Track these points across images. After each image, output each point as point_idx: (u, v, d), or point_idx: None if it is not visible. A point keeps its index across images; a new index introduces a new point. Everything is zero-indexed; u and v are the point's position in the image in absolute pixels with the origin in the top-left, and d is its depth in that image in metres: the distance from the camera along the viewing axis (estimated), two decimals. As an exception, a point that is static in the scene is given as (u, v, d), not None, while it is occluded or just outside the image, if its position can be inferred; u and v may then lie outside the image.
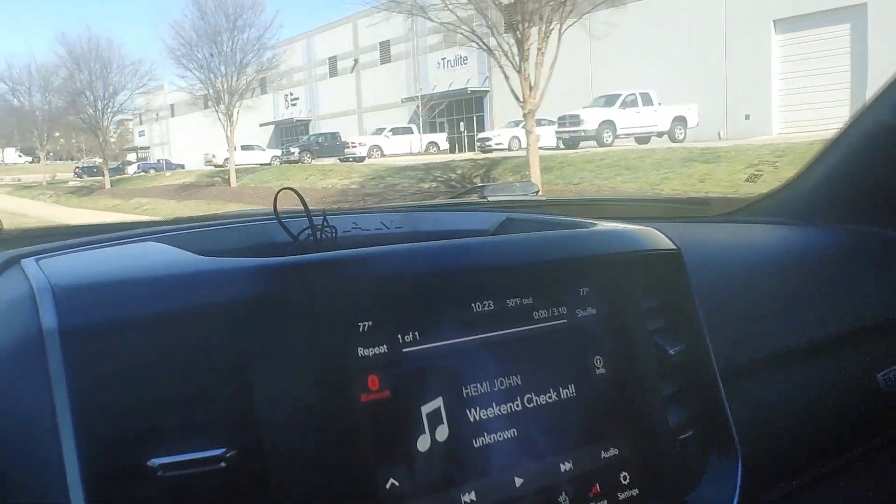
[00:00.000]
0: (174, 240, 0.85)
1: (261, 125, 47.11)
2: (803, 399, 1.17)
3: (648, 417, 0.86)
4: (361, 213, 1.08)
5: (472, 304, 0.79)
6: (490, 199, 1.66)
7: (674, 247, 0.96)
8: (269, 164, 37.10)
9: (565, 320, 0.84)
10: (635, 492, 0.83)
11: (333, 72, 46.44)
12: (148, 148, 63.01)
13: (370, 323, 0.72)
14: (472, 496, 0.74)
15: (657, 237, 0.96)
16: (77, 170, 51.45)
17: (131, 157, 62.61)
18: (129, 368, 0.64)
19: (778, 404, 1.13)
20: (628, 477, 0.83)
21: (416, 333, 0.74)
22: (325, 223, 0.91)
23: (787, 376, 1.16)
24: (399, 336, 0.74)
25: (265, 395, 0.67)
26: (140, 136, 65.40)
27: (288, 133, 49.58)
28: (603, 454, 0.83)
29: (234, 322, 0.67)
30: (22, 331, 0.64)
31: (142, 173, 47.22)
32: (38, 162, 58.33)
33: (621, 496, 0.83)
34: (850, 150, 1.39)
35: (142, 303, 0.65)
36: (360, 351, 0.71)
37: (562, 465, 0.80)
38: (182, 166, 46.68)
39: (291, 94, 49.11)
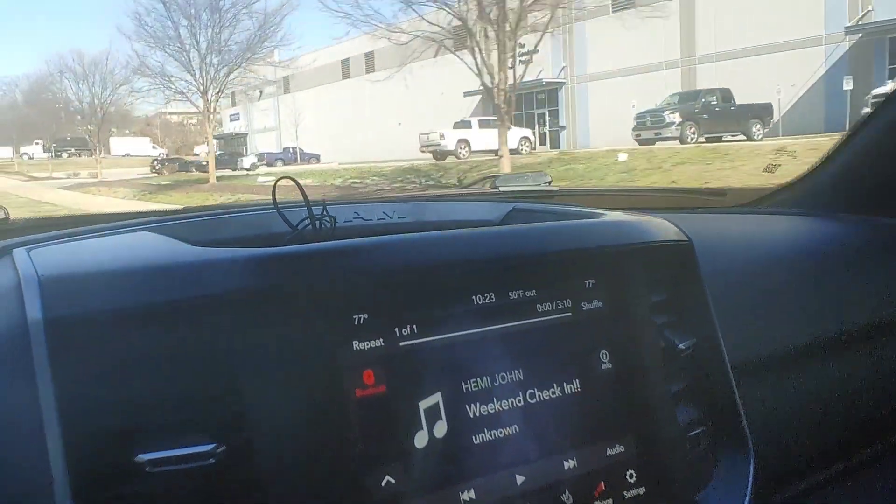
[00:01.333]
0: (169, 230, 0.84)
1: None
2: (818, 396, 1.14)
3: (656, 414, 0.84)
4: (364, 202, 1.06)
5: (473, 297, 0.77)
6: (501, 189, 1.64)
7: (685, 238, 0.93)
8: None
9: (570, 314, 0.82)
10: (642, 490, 0.81)
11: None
12: (245, 135, 49.94)
13: (366, 316, 0.70)
14: (472, 494, 0.72)
15: (668, 228, 0.93)
16: (156, 163, 40.37)
17: (200, 148, 51.08)
18: (116, 361, 0.62)
19: (792, 401, 1.10)
20: (634, 475, 0.81)
21: (414, 326, 0.72)
22: (325, 213, 0.89)
23: (802, 373, 1.13)
24: (396, 329, 0.71)
25: (257, 390, 0.65)
26: (233, 119, 50.33)
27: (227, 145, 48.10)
28: (608, 451, 0.80)
29: (226, 314, 0.65)
30: (7, 322, 0.63)
31: (263, 167, 34.82)
32: (69, 156, 54.43)
33: (627, 495, 0.80)
34: (869, 141, 1.36)
35: (131, 294, 0.63)
36: (356, 344, 0.69)
37: (565, 463, 0.77)
38: (317, 157, 38.94)
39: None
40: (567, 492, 0.76)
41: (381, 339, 0.70)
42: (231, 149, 47.55)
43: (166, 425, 0.63)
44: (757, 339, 1.07)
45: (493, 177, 1.83)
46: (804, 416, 1.11)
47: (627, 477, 0.81)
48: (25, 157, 53.82)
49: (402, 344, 0.71)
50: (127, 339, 0.63)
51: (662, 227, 0.93)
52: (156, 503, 0.62)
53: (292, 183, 0.92)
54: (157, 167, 39.78)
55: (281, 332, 0.66)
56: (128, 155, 56.59)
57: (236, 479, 0.64)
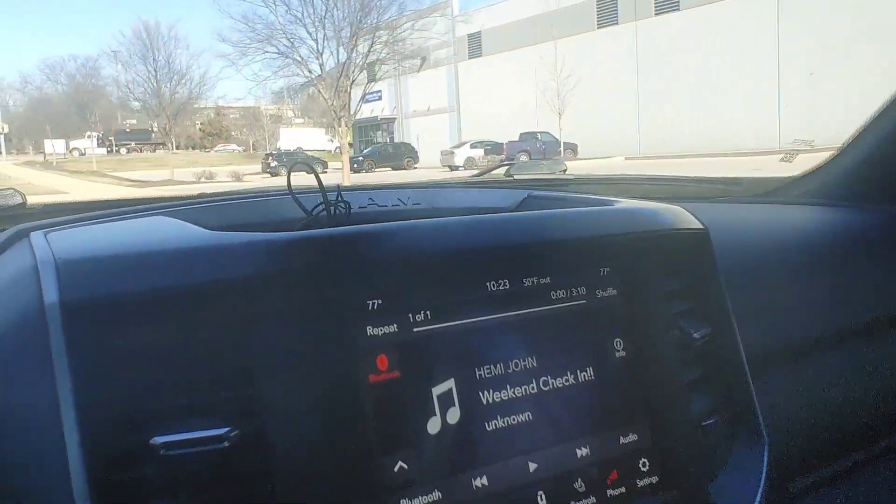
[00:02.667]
0: (184, 214, 0.84)
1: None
2: (833, 387, 1.13)
3: (670, 403, 0.83)
4: (378, 189, 1.05)
5: (487, 283, 0.76)
6: (516, 176, 1.63)
7: (701, 226, 0.92)
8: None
9: (584, 301, 0.81)
10: (655, 479, 0.81)
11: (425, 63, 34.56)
12: (391, 120, 39.48)
13: (380, 301, 0.70)
14: (484, 481, 0.72)
15: (683, 216, 0.92)
16: (270, 161, 30.90)
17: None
18: (132, 344, 0.63)
19: (807, 392, 1.09)
20: (647, 464, 0.81)
21: (428, 312, 0.72)
22: (340, 198, 0.89)
23: (817, 363, 1.12)
24: (410, 315, 0.71)
25: (271, 374, 0.65)
26: (370, 100, 33.51)
27: (364, 133, 43.50)
28: (621, 440, 0.80)
29: (241, 298, 0.65)
30: (24, 305, 0.63)
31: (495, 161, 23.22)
32: (129, 150, 49.09)
33: (640, 483, 0.80)
34: (886, 132, 1.34)
35: (147, 277, 0.64)
36: (369, 330, 0.69)
37: (578, 451, 0.77)
38: (572, 148, 27.81)
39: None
40: (580, 480, 0.76)
41: (395, 325, 0.70)
42: (369, 138, 42.37)
43: (181, 409, 0.63)
44: (772, 329, 1.07)
45: (509, 164, 1.83)
46: (819, 406, 1.10)
47: (640, 466, 0.80)
48: (76, 153, 47.27)
49: (415, 330, 0.71)
50: (143, 323, 0.63)
51: (678, 215, 0.92)
52: (170, 486, 0.62)
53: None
54: (272, 166, 30.09)
55: (295, 317, 0.66)
56: (299, 149, 42.33)
57: (250, 462, 0.64)
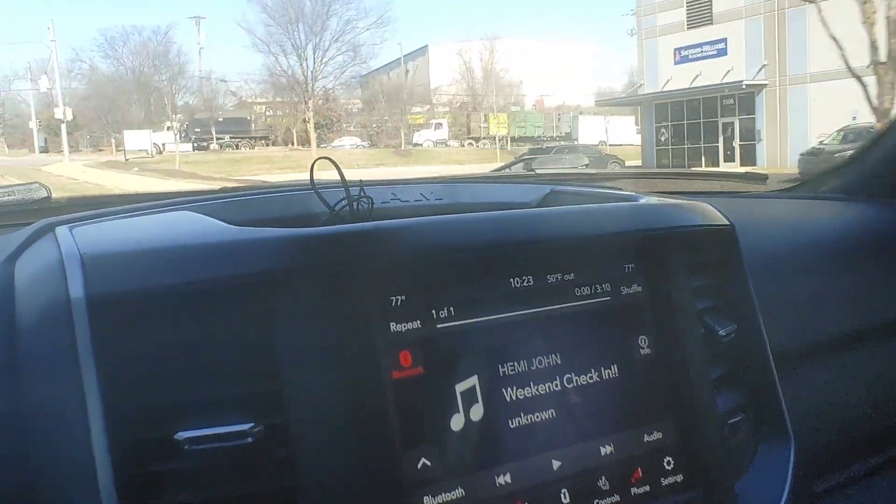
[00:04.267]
0: (208, 209, 0.84)
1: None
2: (861, 385, 1.11)
3: (695, 401, 0.82)
4: (401, 184, 1.05)
5: (511, 280, 0.76)
6: (538, 171, 1.62)
7: (727, 222, 0.91)
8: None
9: (609, 298, 0.80)
10: (679, 478, 0.80)
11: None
12: (760, 87, 23.05)
13: (403, 297, 0.70)
14: (507, 478, 0.71)
15: (709, 212, 0.91)
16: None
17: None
18: (157, 339, 0.63)
19: (834, 389, 1.08)
20: (672, 462, 0.80)
21: (452, 309, 0.72)
22: (363, 193, 0.88)
23: (844, 360, 1.11)
24: (433, 311, 0.71)
25: (294, 370, 0.65)
26: (707, 49, 24.57)
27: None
28: (646, 438, 0.79)
29: (264, 294, 0.65)
30: (50, 299, 0.63)
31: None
32: (227, 147, 38.63)
33: (665, 482, 0.79)
34: None
35: (171, 272, 0.64)
36: (393, 326, 0.69)
37: (602, 449, 0.76)
38: None
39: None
40: (603, 478, 0.76)
41: (419, 321, 0.70)
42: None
43: (205, 404, 0.63)
44: (799, 326, 1.05)
45: (531, 158, 1.82)
46: (846, 404, 1.09)
47: (665, 464, 0.80)
48: (153, 150, 36.23)
49: (439, 326, 0.71)
50: (167, 318, 0.63)
51: (704, 211, 0.91)
52: (194, 480, 0.62)
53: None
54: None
55: (318, 313, 0.66)
56: (426, 143, 39.54)
57: (273, 458, 0.64)
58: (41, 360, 0.63)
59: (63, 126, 31.83)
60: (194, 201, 0.90)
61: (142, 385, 0.62)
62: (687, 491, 0.80)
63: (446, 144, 41.99)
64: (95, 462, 0.59)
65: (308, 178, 0.89)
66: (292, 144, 41.44)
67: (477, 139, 42.58)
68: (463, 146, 41.62)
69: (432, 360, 0.70)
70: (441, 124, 43.51)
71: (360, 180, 0.92)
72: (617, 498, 0.76)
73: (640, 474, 0.78)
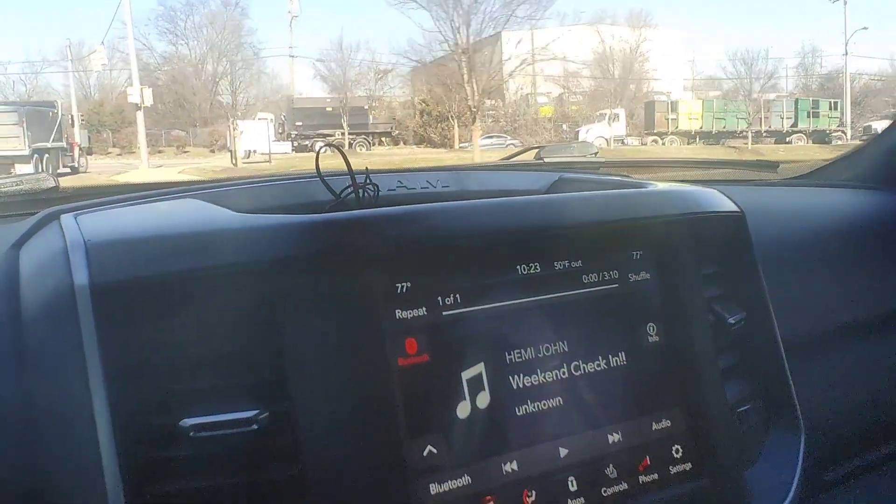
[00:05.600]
0: (213, 197, 0.84)
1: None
2: (871, 374, 1.10)
3: (704, 389, 0.82)
4: (407, 171, 1.05)
5: (518, 267, 0.75)
6: (546, 160, 1.61)
7: (737, 209, 0.90)
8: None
9: (617, 285, 0.80)
10: (688, 466, 0.79)
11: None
12: None
13: (409, 284, 0.69)
14: (514, 466, 0.71)
15: (719, 199, 0.90)
16: None
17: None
18: (161, 326, 0.63)
19: (844, 378, 1.07)
20: (681, 451, 0.79)
21: (458, 296, 0.71)
22: (368, 181, 0.88)
23: (855, 349, 1.10)
24: (439, 298, 0.70)
25: (299, 357, 0.65)
26: None
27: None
28: (654, 426, 0.78)
29: (269, 280, 0.65)
30: (54, 287, 0.63)
31: None
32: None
33: (673, 470, 0.78)
34: None
35: (176, 259, 0.63)
36: (398, 313, 0.68)
37: (610, 437, 0.76)
38: None
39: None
40: (611, 465, 0.75)
41: (424, 308, 0.69)
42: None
43: (210, 391, 0.63)
44: (810, 315, 1.04)
45: (539, 148, 1.81)
46: (856, 393, 1.08)
47: (674, 452, 0.79)
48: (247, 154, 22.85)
49: (445, 313, 0.70)
50: (172, 305, 0.63)
51: (713, 198, 0.90)
52: (199, 467, 0.62)
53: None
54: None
55: (323, 300, 0.66)
56: (597, 140, 25.71)
57: (278, 445, 0.64)
58: (46, 347, 0.62)
59: (140, 114, 21.89)
60: (199, 189, 0.90)
61: (147, 372, 0.62)
62: (696, 479, 0.79)
63: (623, 142, 30.79)
64: (101, 449, 0.58)
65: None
66: (427, 143, 30.88)
67: (662, 135, 31.54)
68: (645, 144, 30.98)
69: (438, 348, 0.69)
70: (618, 115, 31.10)
71: (367, 168, 0.91)
72: (625, 486, 0.75)
73: (649, 462, 0.77)
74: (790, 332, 0.92)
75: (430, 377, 0.69)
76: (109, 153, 30.12)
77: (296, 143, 29.14)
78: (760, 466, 0.86)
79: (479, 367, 0.71)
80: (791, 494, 0.84)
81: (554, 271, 0.77)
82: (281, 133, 29.79)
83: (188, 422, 0.61)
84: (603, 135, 29.44)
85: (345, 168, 0.89)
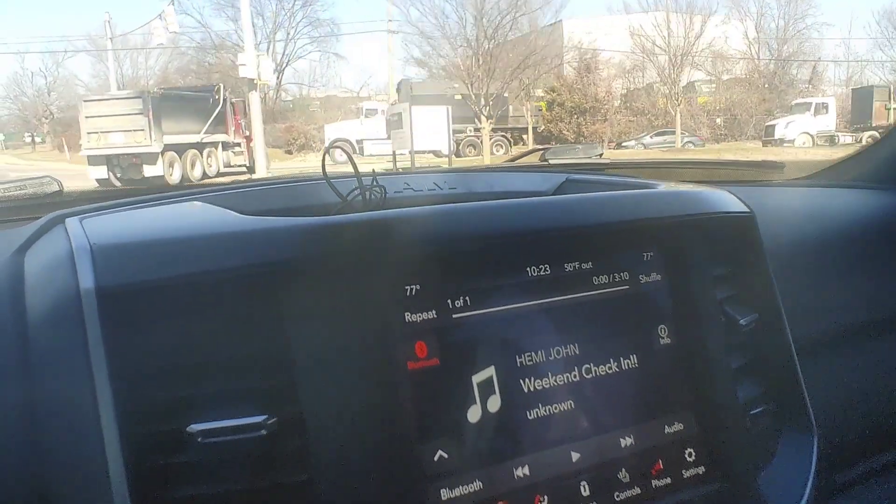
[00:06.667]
0: (219, 200, 0.83)
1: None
2: (883, 375, 1.09)
3: (716, 391, 0.81)
4: (414, 173, 1.04)
5: (528, 269, 0.74)
6: (551, 161, 1.60)
7: (747, 210, 0.89)
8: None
9: (627, 286, 0.79)
10: (701, 470, 0.78)
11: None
12: None
13: (418, 287, 0.68)
14: (526, 470, 0.70)
15: (729, 199, 0.89)
16: None
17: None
18: (168, 330, 0.62)
19: (855, 380, 1.06)
20: (693, 454, 0.78)
21: (467, 298, 0.70)
22: (375, 183, 0.87)
23: (865, 350, 1.09)
24: (449, 301, 0.70)
25: (308, 361, 0.64)
26: None
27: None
28: (666, 429, 0.78)
29: (276, 284, 0.64)
30: (60, 291, 0.62)
31: None
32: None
33: (686, 474, 0.77)
34: None
35: (183, 262, 0.63)
36: (408, 316, 0.67)
37: (622, 440, 0.75)
38: None
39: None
40: (623, 470, 0.74)
41: (434, 311, 0.69)
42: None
43: (218, 396, 0.62)
44: (821, 315, 1.03)
45: (543, 149, 1.80)
46: (868, 394, 1.07)
47: (686, 456, 0.78)
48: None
49: (454, 316, 0.69)
50: (179, 308, 0.62)
51: (724, 198, 0.89)
52: (207, 473, 0.61)
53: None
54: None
55: (331, 303, 0.65)
56: (799, 138, 21.89)
57: (287, 450, 0.63)
58: (51, 352, 0.62)
59: (254, 97, 16.02)
60: (205, 192, 0.89)
61: (153, 377, 0.61)
62: (709, 483, 0.78)
63: (834, 140, 22.21)
64: (107, 454, 0.58)
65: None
66: (555, 141, 23.63)
67: (879, 129, 20.95)
68: (859, 141, 20.21)
69: (448, 351, 0.69)
70: (826, 106, 23.94)
71: (373, 170, 0.90)
72: (638, 490, 0.74)
73: (661, 466, 0.76)
74: (801, 334, 0.91)
75: (441, 381, 0.68)
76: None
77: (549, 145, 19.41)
78: (773, 469, 0.85)
79: (490, 371, 0.70)
80: (805, 497, 0.83)
81: (564, 273, 0.76)
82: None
83: (196, 427, 0.60)
84: (807, 130, 22.98)
85: (351, 170, 0.88)
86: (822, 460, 0.87)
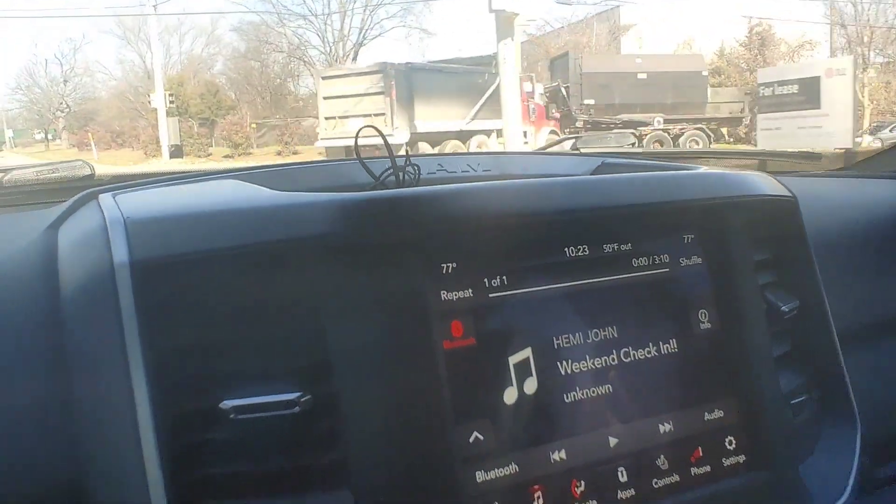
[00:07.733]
0: (252, 178, 0.82)
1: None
2: None
3: (757, 379, 0.78)
4: (447, 155, 1.02)
5: (566, 249, 0.73)
6: (583, 150, 1.58)
7: (790, 194, 0.87)
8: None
9: (667, 269, 0.77)
10: (742, 458, 0.76)
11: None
12: None
13: (454, 265, 0.67)
14: (562, 454, 0.68)
15: (770, 182, 0.87)
16: None
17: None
18: (201, 305, 0.61)
19: None
20: (734, 442, 0.76)
21: (504, 278, 0.69)
22: (409, 163, 0.86)
23: None
24: (486, 280, 0.68)
25: (342, 338, 0.63)
26: None
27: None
28: (706, 416, 0.75)
29: (311, 259, 0.63)
30: (93, 265, 0.62)
31: None
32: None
33: (726, 462, 0.75)
34: None
35: (216, 237, 0.62)
36: (444, 294, 0.66)
37: (661, 427, 0.73)
38: None
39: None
40: (662, 456, 0.72)
41: (470, 290, 0.67)
42: None
43: (251, 372, 0.61)
44: (862, 305, 1.01)
45: (575, 138, 1.78)
46: None
47: (727, 444, 0.76)
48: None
49: (491, 295, 0.68)
50: (213, 283, 0.61)
51: (765, 181, 0.87)
52: (240, 450, 0.60)
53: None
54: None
55: (366, 279, 0.64)
56: None
57: (320, 428, 0.62)
58: (84, 327, 0.61)
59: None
60: (238, 172, 0.88)
61: (186, 352, 0.60)
62: (750, 472, 0.76)
63: None
64: (140, 430, 0.57)
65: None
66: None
67: None
68: None
69: (484, 331, 0.67)
70: None
71: (407, 150, 0.89)
72: (676, 478, 0.72)
73: (701, 454, 0.74)
74: (844, 324, 0.88)
75: (477, 361, 0.66)
76: (210, 154, 21.49)
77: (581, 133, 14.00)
78: (815, 460, 0.83)
79: (527, 352, 0.68)
80: (848, 490, 0.80)
81: (603, 254, 0.74)
82: (559, 117, 16.97)
83: (229, 403, 0.59)
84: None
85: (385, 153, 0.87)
86: (864, 453, 0.84)
